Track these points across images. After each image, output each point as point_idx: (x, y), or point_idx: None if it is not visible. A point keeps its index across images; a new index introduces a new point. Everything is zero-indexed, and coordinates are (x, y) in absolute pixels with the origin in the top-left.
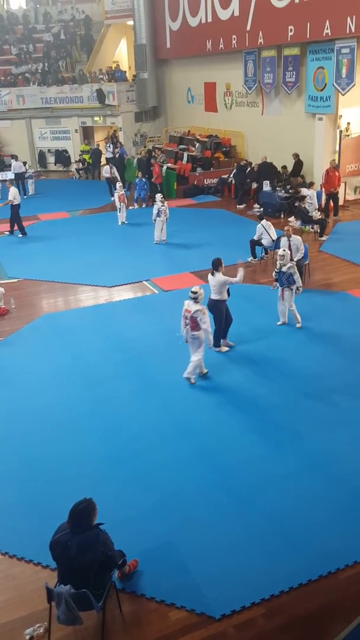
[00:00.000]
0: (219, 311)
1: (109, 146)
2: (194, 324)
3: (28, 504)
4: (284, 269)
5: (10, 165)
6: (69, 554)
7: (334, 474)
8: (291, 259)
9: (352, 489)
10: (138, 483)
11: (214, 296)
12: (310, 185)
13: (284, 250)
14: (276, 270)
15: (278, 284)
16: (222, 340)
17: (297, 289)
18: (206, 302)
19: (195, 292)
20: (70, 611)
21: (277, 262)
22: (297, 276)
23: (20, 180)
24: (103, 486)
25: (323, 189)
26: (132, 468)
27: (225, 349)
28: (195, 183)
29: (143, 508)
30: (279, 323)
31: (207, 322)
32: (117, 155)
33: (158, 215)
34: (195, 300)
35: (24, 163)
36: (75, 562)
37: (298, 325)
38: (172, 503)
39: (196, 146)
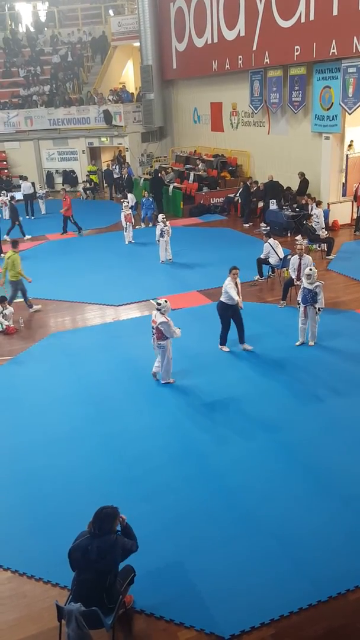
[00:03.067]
0: (222, 312)
1: (115, 167)
2: (159, 334)
3: (38, 523)
4: (310, 286)
5: (19, 186)
6: (90, 557)
7: (345, 494)
8: (297, 278)
9: None
10: (147, 503)
11: (221, 297)
12: (317, 204)
13: (311, 269)
14: (303, 288)
15: (301, 302)
16: (241, 345)
17: (319, 309)
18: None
19: (159, 304)
20: (80, 629)
21: (304, 280)
22: (321, 296)
23: (29, 200)
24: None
25: (356, 202)
26: (140, 488)
27: (226, 349)
28: (201, 202)
29: (152, 528)
30: (297, 343)
31: (174, 333)
32: (125, 176)
33: (161, 235)
34: (160, 311)
35: (33, 184)
36: (96, 566)
37: (311, 343)
38: (181, 523)
39: (200, 165)
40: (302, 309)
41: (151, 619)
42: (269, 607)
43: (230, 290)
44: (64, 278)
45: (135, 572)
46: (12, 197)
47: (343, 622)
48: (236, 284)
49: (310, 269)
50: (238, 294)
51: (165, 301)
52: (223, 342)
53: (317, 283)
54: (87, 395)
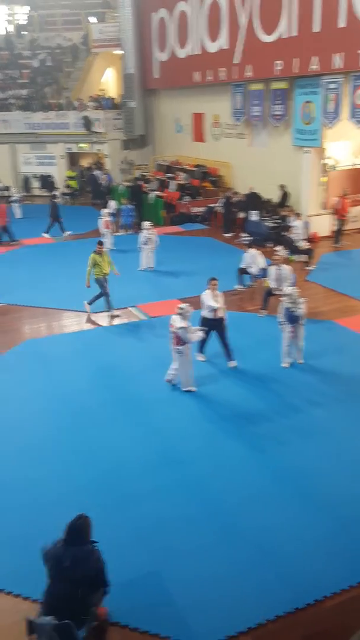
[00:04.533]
0: (206, 326)
1: (96, 172)
2: (177, 340)
3: (8, 535)
4: (299, 312)
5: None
6: (63, 564)
7: (322, 502)
8: (278, 289)
9: (339, 517)
10: (123, 512)
11: (202, 312)
12: (297, 216)
13: (291, 289)
14: (286, 309)
15: (288, 322)
16: (228, 362)
17: (302, 321)
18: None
19: (181, 309)
20: None
21: (285, 302)
22: (304, 307)
23: None
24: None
25: (336, 215)
26: (116, 497)
27: (201, 358)
28: (182, 211)
29: (128, 537)
30: (285, 364)
31: (192, 338)
32: (103, 182)
33: (145, 242)
34: (181, 316)
35: (7, 188)
36: (68, 574)
37: (300, 360)
38: (158, 532)
39: (183, 176)
40: (289, 329)
41: (126, 630)
42: (246, 615)
43: (206, 299)
44: (40, 284)
45: (109, 583)
46: (54, 196)
47: (320, 629)
48: (216, 295)
49: (291, 288)
50: (221, 305)
51: (189, 305)
52: (200, 350)
53: (302, 300)
54: (63, 403)
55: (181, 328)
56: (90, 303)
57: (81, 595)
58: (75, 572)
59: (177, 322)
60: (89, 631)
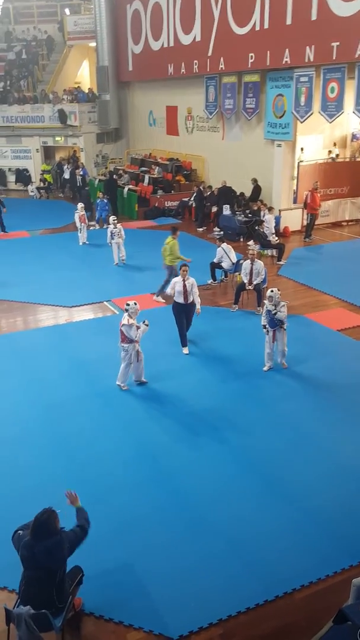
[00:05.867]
0: (177, 313)
1: (68, 167)
2: (123, 336)
3: None
4: (279, 315)
5: None
6: (37, 557)
7: (292, 493)
8: (249, 283)
9: (309, 508)
10: (97, 505)
11: (175, 298)
12: (269, 210)
13: (272, 291)
14: (267, 312)
15: (269, 327)
16: (182, 348)
17: (284, 327)
18: None
19: (128, 305)
20: (31, 632)
21: (266, 304)
22: (285, 313)
23: None
24: (59, 508)
25: (306, 209)
26: (91, 490)
27: (186, 350)
28: (156, 205)
29: (102, 530)
30: (265, 368)
31: (137, 335)
32: (79, 176)
33: (112, 237)
34: (127, 312)
35: None
36: (44, 564)
37: (284, 364)
38: (132, 525)
39: (156, 169)
40: (271, 333)
41: (100, 621)
42: (217, 607)
43: (175, 284)
44: (15, 278)
45: (84, 572)
46: None
47: (289, 621)
48: (187, 279)
49: (272, 291)
50: (196, 297)
51: (135, 303)
52: (184, 343)
53: (283, 303)
54: (39, 397)
55: (124, 325)
56: (158, 294)
57: (58, 581)
58: (50, 562)
59: (124, 319)
60: (65, 620)
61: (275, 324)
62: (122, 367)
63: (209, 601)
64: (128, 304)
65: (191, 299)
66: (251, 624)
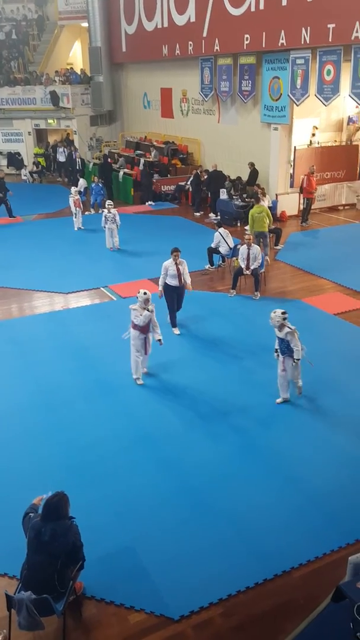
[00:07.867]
0: (168, 295)
1: (62, 149)
2: (134, 325)
3: None
4: (279, 334)
5: None
6: (42, 539)
7: (290, 475)
8: (247, 268)
9: (306, 490)
10: (98, 489)
11: (165, 280)
12: (263, 194)
13: (274, 312)
14: (278, 337)
15: (279, 352)
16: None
17: (295, 360)
18: None
19: (138, 293)
20: (32, 617)
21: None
22: (295, 343)
23: None
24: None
25: (302, 194)
26: (92, 474)
27: (177, 331)
28: (152, 189)
29: (103, 514)
30: (279, 401)
31: (138, 322)
32: (79, 159)
33: (105, 221)
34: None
35: None
36: (48, 547)
37: (299, 394)
38: (133, 508)
39: (153, 153)
40: (280, 359)
41: (101, 604)
42: (217, 587)
43: (168, 268)
44: (10, 264)
45: (85, 557)
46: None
47: (288, 599)
48: (180, 263)
49: (274, 312)
50: (186, 276)
51: (145, 292)
52: (174, 324)
53: (287, 330)
54: (36, 384)
55: (131, 310)
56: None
57: (60, 567)
58: (53, 546)
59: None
60: (66, 604)
61: (284, 350)
62: (131, 358)
63: (210, 581)
64: (139, 292)
65: (184, 281)
66: (251, 602)
